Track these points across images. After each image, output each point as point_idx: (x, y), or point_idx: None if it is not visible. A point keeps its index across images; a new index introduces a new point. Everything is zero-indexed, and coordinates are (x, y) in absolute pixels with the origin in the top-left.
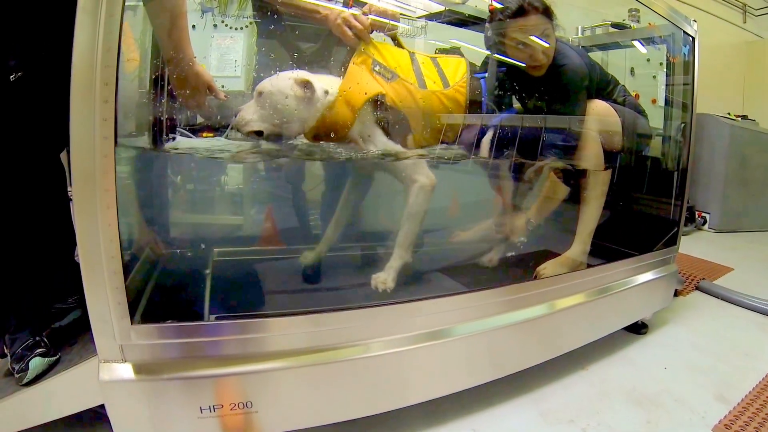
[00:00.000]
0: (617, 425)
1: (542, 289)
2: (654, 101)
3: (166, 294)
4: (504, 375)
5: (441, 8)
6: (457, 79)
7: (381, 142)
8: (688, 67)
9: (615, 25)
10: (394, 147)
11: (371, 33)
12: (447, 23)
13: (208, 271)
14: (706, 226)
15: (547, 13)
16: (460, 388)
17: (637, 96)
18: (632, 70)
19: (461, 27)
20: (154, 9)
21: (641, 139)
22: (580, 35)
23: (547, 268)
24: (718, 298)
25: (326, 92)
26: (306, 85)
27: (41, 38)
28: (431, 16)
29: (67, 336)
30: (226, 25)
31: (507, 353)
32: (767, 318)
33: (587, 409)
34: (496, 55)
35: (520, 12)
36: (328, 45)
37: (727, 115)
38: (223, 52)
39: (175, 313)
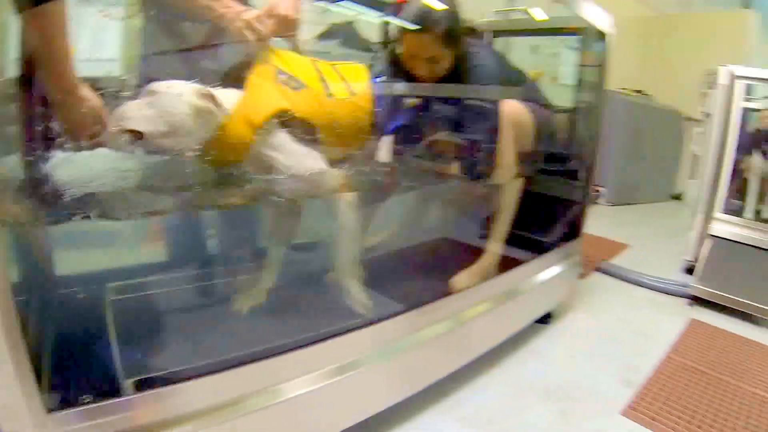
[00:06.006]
0: (534, 421)
1: (454, 304)
2: (554, 80)
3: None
4: (419, 389)
5: None
6: (361, 86)
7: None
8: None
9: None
10: (314, 163)
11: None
12: None
13: (108, 317)
14: (601, 200)
15: (447, 35)
16: (376, 410)
17: (541, 74)
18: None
19: None
20: (27, 23)
21: (551, 137)
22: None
23: (460, 280)
24: (616, 278)
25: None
26: (209, 97)
27: None
28: None
29: None
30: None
31: (420, 368)
32: (660, 295)
33: (504, 409)
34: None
35: (419, 29)
36: (218, 34)
37: (623, 90)
38: (96, 30)
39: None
